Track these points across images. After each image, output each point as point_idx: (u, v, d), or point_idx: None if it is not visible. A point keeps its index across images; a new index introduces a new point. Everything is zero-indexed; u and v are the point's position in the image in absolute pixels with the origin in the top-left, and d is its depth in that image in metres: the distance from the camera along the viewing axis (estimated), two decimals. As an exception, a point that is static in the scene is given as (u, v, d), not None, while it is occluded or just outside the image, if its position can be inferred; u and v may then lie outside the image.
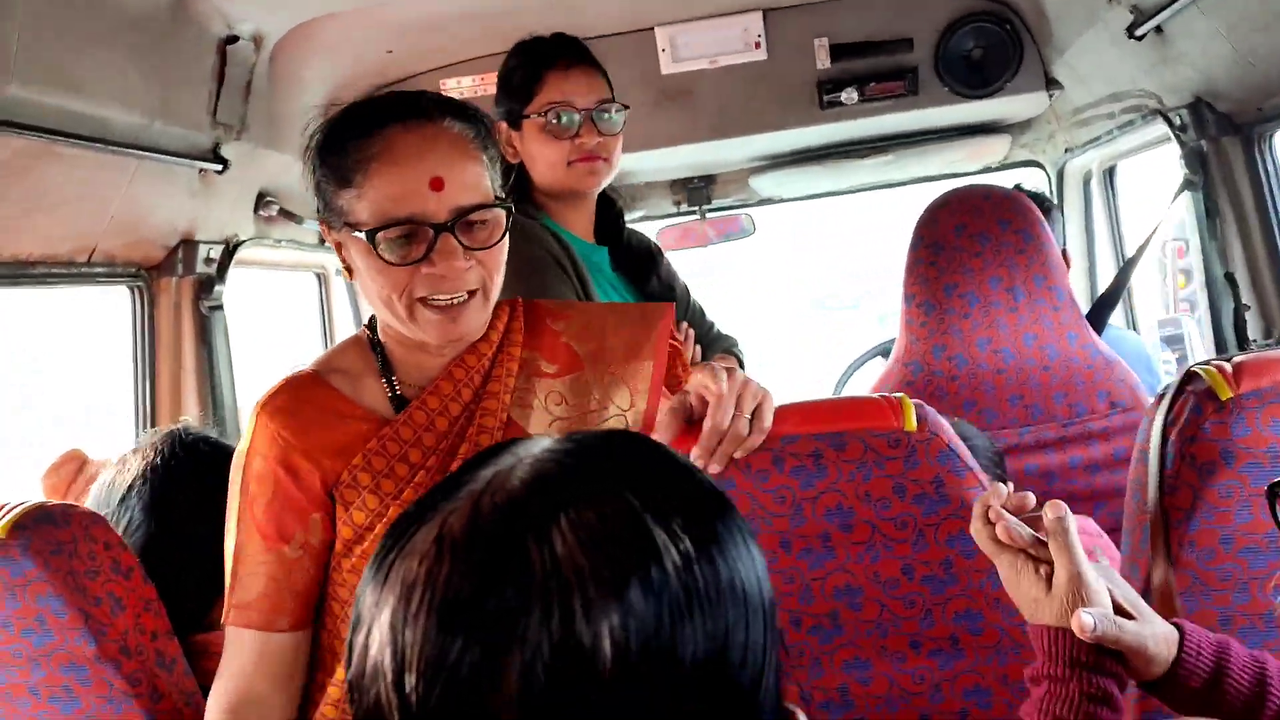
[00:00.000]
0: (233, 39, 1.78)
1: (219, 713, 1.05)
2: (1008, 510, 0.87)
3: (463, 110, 1.06)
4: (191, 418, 1.77)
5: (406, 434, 1.06)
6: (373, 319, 1.14)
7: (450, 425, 1.07)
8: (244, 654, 1.06)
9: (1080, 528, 0.86)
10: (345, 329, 2.64)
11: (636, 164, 2.55)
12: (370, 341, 1.12)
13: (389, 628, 0.46)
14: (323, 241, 2.43)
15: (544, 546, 0.45)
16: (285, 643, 1.06)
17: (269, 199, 2.10)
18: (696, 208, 2.83)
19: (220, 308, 1.97)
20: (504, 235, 1.04)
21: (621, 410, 1.12)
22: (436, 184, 0.99)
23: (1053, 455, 1.88)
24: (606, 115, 1.52)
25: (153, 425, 1.88)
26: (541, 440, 0.52)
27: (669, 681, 0.44)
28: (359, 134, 1.01)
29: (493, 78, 1.68)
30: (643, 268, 1.70)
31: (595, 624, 0.43)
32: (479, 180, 1.03)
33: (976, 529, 0.89)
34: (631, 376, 1.12)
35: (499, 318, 1.12)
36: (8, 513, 1.07)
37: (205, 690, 1.15)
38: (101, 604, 1.08)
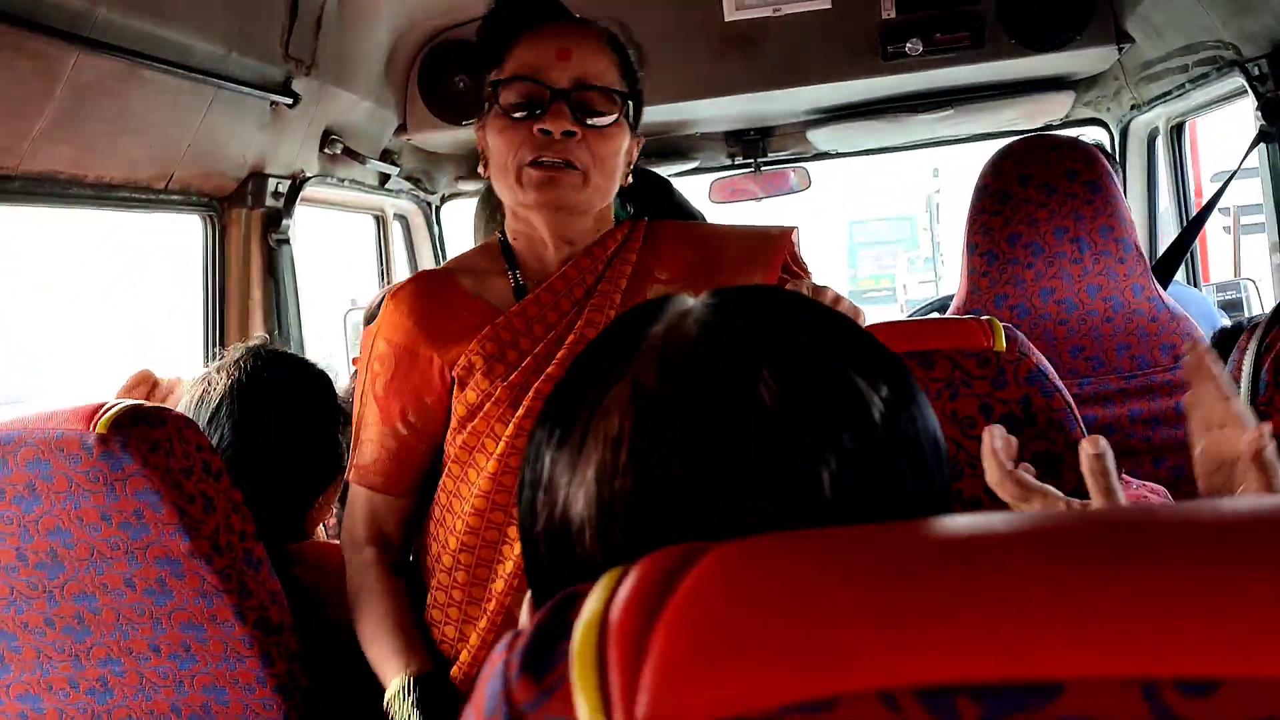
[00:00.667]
0: (305, -29, 1.79)
1: (352, 541, 1.20)
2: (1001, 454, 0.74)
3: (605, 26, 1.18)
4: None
5: (519, 324, 1.13)
6: (502, 229, 1.22)
7: (560, 318, 1.14)
8: (365, 505, 1.20)
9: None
10: (401, 272, 2.67)
11: (692, 113, 2.53)
12: (500, 243, 1.21)
13: (594, 482, 0.45)
14: (382, 183, 2.45)
15: (750, 395, 0.44)
16: (397, 505, 1.20)
17: (334, 137, 2.12)
18: (751, 160, 2.82)
19: (287, 241, 2.00)
20: (616, 122, 1.11)
21: None
22: (564, 54, 1.09)
23: (1112, 408, 1.87)
24: None
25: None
26: (690, 297, 0.50)
27: (889, 509, 0.45)
28: (520, 26, 1.12)
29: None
30: (658, 202, 1.70)
31: (813, 463, 0.44)
32: (607, 69, 1.11)
33: (996, 480, 0.75)
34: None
35: (620, 229, 1.19)
36: (106, 411, 1.10)
37: (290, 593, 1.19)
38: (195, 502, 1.11)
